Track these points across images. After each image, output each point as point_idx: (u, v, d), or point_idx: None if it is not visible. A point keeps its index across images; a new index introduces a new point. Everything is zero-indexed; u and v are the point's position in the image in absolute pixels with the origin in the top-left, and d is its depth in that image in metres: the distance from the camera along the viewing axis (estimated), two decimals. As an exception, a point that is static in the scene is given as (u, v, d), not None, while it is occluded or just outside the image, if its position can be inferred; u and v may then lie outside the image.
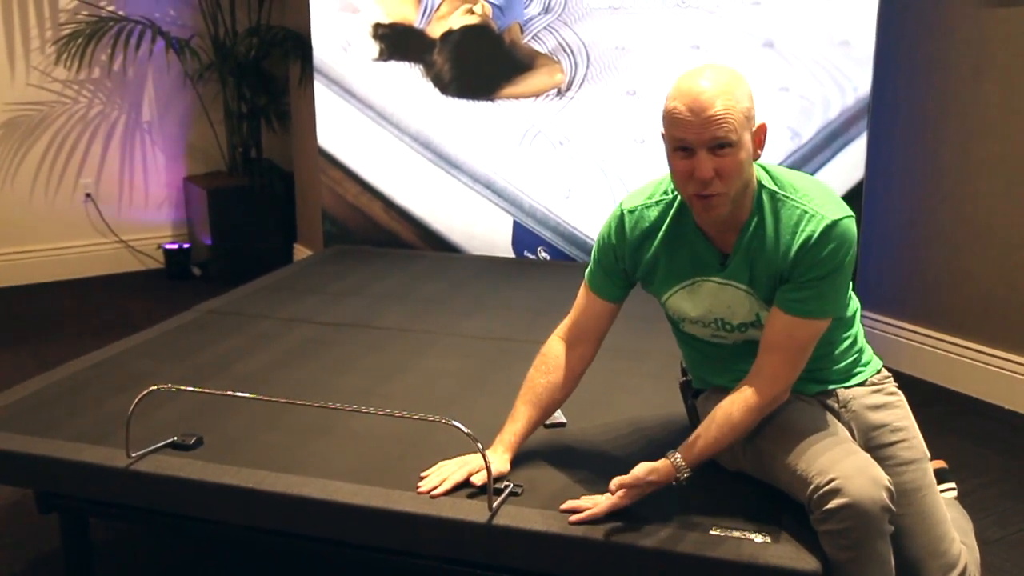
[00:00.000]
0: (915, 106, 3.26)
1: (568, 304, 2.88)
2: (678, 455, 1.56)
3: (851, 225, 1.57)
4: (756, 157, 1.56)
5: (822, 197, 1.59)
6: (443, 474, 1.69)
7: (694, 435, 1.60)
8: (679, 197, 1.64)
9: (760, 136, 1.56)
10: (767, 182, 1.61)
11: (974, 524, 2.01)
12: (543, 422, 1.80)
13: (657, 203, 1.69)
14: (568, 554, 1.57)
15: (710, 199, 1.52)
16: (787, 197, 1.59)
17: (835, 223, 1.55)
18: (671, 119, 1.51)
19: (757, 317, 1.65)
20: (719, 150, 1.49)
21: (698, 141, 1.48)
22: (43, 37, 4.42)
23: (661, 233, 1.67)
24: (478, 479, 1.67)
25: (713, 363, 1.77)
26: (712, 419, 1.59)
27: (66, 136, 4.59)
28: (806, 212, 1.57)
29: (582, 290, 1.79)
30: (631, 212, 1.70)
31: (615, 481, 1.56)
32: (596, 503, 1.58)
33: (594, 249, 1.77)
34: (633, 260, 1.71)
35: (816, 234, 1.55)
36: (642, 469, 1.55)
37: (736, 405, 1.59)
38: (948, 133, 3.17)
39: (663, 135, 1.56)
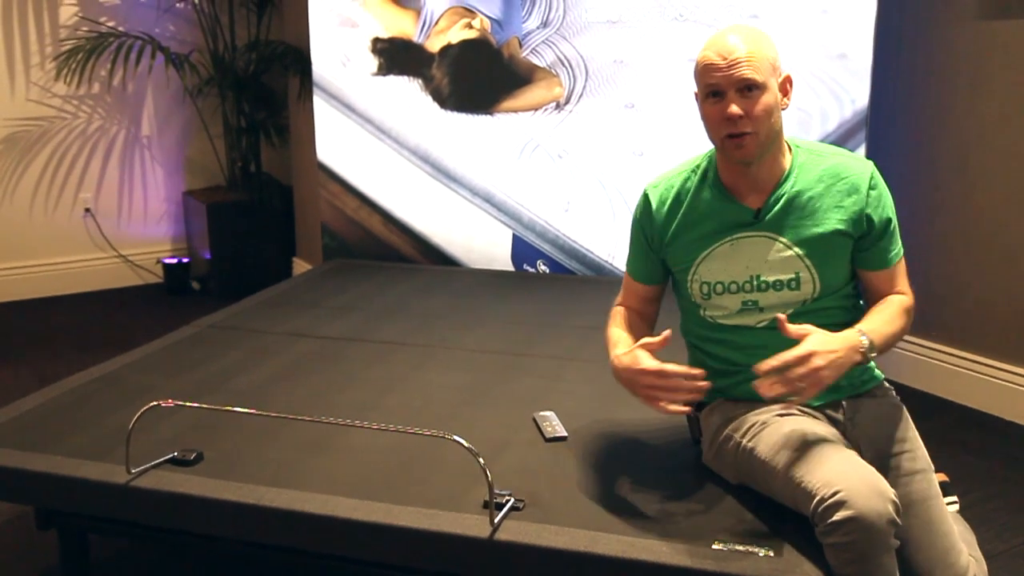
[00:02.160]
0: (913, 118, 3.27)
1: (567, 316, 2.88)
2: (866, 339, 1.58)
3: None
4: (784, 107, 1.66)
5: (847, 152, 1.76)
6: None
7: (869, 327, 1.61)
8: (704, 165, 1.75)
9: (787, 86, 1.67)
10: (801, 143, 1.73)
11: (976, 537, 2.00)
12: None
13: (680, 173, 1.79)
14: (569, 569, 1.56)
15: (742, 138, 1.61)
16: (823, 152, 1.73)
17: (873, 168, 1.71)
18: (702, 68, 1.63)
19: (796, 276, 1.68)
20: (747, 92, 1.59)
21: (727, 83, 1.59)
22: (43, 53, 4.44)
23: (689, 197, 1.74)
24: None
25: (727, 364, 1.75)
26: (882, 317, 1.65)
27: (66, 151, 4.59)
28: (847, 164, 1.70)
29: (624, 279, 1.88)
30: (655, 187, 1.80)
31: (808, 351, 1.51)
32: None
33: (629, 238, 1.86)
34: (662, 232, 1.77)
35: (868, 178, 1.68)
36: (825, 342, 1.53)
37: (895, 307, 1.69)
38: (946, 145, 3.18)
39: (695, 94, 1.68)
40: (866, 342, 1.57)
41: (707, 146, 1.76)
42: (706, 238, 1.72)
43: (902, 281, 1.75)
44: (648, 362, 1.59)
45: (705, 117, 1.66)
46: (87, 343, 3.90)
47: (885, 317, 1.66)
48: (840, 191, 1.68)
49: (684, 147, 3.23)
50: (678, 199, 1.76)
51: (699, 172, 1.75)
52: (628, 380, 1.64)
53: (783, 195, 1.68)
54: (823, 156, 1.72)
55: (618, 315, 1.85)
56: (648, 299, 1.86)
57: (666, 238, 1.76)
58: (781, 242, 1.68)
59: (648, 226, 1.79)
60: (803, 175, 1.70)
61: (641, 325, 1.84)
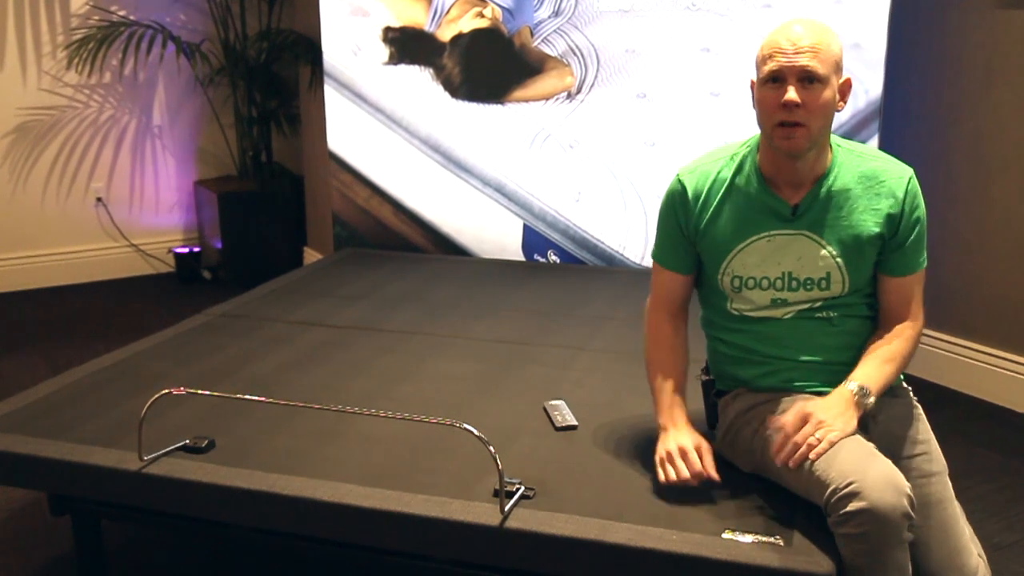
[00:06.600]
0: (927, 108, 3.25)
1: (577, 306, 2.88)
2: (855, 384, 1.61)
3: None
4: (839, 108, 1.63)
5: (887, 156, 1.72)
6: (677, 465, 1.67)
7: (860, 374, 1.64)
8: (743, 154, 1.72)
9: (844, 88, 1.63)
10: (842, 143, 1.71)
11: (987, 528, 1.99)
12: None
13: (716, 160, 1.75)
14: (579, 557, 1.56)
15: (794, 128, 1.58)
16: (863, 154, 1.70)
17: (912, 174, 1.69)
18: (767, 52, 1.60)
19: (827, 276, 1.67)
20: (808, 84, 1.57)
21: (791, 70, 1.57)
22: (55, 42, 4.45)
23: (726, 185, 1.72)
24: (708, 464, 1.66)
25: (749, 353, 1.75)
26: (875, 360, 1.66)
27: (77, 140, 4.61)
28: (886, 168, 1.69)
29: (654, 268, 1.83)
30: (690, 172, 1.76)
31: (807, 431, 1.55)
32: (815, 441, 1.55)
33: (657, 225, 1.81)
34: (697, 220, 1.74)
35: (906, 183, 1.67)
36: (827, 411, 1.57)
37: (895, 341, 1.68)
38: (960, 135, 3.16)
39: (752, 81, 1.66)
40: (855, 387, 1.60)
41: (720, 137, 1.75)
42: (742, 231, 1.70)
43: (916, 298, 1.72)
44: (693, 456, 1.66)
45: (760, 102, 1.63)
46: (99, 332, 3.92)
47: (877, 360, 1.67)
48: (877, 194, 1.67)
49: (695, 137, 3.22)
50: (714, 187, 1.73)
51: (736, 160, 1.72)
52: (667, 454, 1.68)
53: (821, 193, 1.67)
54: (863, 158, 1.70)
55: (659, 338, 1.80)
56: (681, 290, 1.80)
57: (701, 225, 1.73)
58: (817, 242, 1.67)
59: (682, 211, 1.75)
60: (843, 174, 1.68)
61: (680, 341, 1.80)
